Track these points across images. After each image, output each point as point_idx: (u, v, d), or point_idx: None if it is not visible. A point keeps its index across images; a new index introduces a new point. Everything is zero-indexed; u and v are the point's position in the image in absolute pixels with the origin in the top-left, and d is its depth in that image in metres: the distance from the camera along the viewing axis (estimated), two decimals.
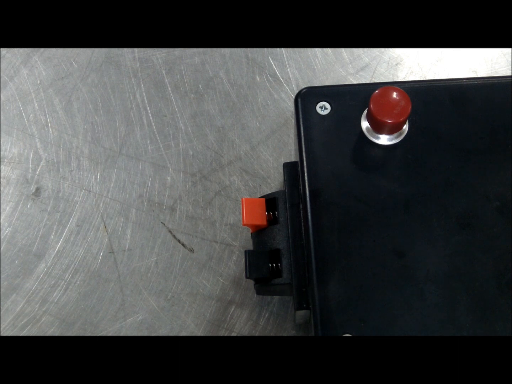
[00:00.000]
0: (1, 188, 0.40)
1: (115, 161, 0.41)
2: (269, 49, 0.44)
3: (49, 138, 0.41)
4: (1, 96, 0.43)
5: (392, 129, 0.31)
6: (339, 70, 0.43)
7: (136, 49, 0.44)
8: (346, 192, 0.31)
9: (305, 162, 0.31)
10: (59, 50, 0.44)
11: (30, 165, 0.41)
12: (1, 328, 0.36)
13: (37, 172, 0.40)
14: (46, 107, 0.42)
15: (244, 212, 0.32)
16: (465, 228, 0.30)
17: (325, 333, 0.28)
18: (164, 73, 0.43)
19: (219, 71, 0.43)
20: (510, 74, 0.42)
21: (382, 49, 0.43)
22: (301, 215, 0.31)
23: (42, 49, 0.44)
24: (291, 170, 0.33)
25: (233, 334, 0.36)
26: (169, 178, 0.40)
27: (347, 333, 0.28)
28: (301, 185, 0.31)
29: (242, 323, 0.36)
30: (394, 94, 0.30)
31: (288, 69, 0.43)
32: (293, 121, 0.35)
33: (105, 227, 0.39)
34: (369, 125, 0.32)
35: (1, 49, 0.44)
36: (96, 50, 0.44)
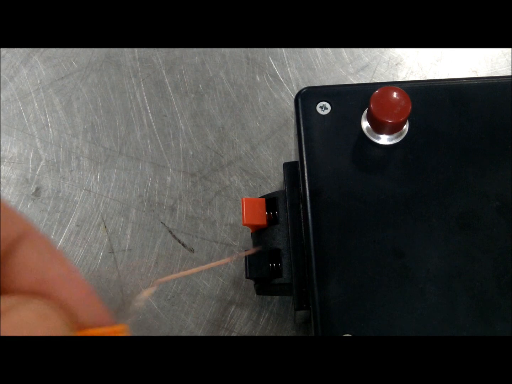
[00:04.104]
0: (1, 188, 0.40)
1: (115, 161, 0.41)
2: (269, 49, 0.44)
3: (49, 138, 0.41)
4: (1, 96, 0.43)
5: (392, 129, 0.31)
6: (339, 70, 0.43)
7: (136, 49, 0.44)
8: (346, 192, 0.31)
9: (305, 162, 0.31)
10: (59, 50, 0.44)
11: (30, 165, 0.41)
12: None
13: (37, 172, 0.40)
14: (46, 107, 0.42)
15: (244, 212, 0.32)
16: (465, 228, 0.30)
17: (325, 333, 0.28)
18: (164, 73, 0.43)
19: (219, 71, 0.43)
20: (510, 74, 0.42)
21: (382, 49, 0.43)
22: (301, 215, 0.31)
23: (42, 49, 0.44)
24: (291, 170, 0.33)
25: (233, 334, 0.36)
26: (169, 178, 0.40)
27: (347, 333, 0.28)
28: (301, 185, 0.31)
29: (242, 323, 0.36)
30: (394, 94, 0.30)
31: (288, 69, 0.43)
32: (293, 121, 0.35)
33: (105, 227, 0.39)
34: (369, 125, 0.32)
35: (1, 49, 0.44)
36: (96, 50, 0.44)
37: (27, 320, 0.17)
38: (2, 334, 0.16)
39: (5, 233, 0.19)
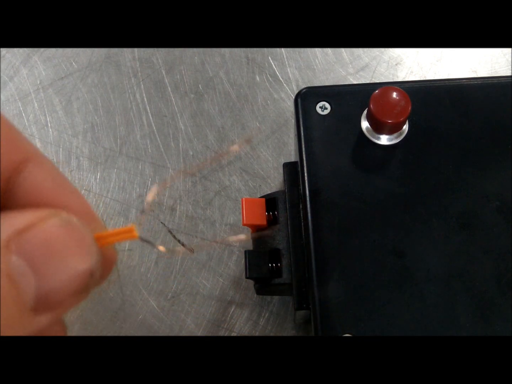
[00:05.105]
0: None
1: (115, 161, 0.41)
2: (269, 49, 0.44)
3: (49, 138, 0.41)
4: (1, 96, 0.43)
5: (392, 129, 0.31)
6: (339, 70, 0.43)
7: (136, 49, 0.44)
8: (346, 192, 0.31)
9: (305, 162, 0.31)
10: (59, 50, 0.44)
11: None
12: None
13: None
14: (46, 107, 0.42)
15: (244, 212, 0.32)
16: (465, 228, 0.30)
17: (325, 333, 0.28)
18: (164, 73, 0.43)
19: (219, 71, 0.43)
20: (510, 74, 0.42)
21: (382, 49, 0.43)
22: (301, 215, 0.31)
23: (42, 49, 0.44)
24: (291, 170, 0.33)
25: (233, 334, 0.36)
26: (169, 178, 0.40)
27: (347, 333, 0.28)
28: (301, 185, 0.31)
29: (242, 323, 0.36)
30: (394, 94, 0.30)
31: (288, 69, 0.43)
32: (293, 121, 0.35)
33: (105, 227, 0.39)
34: (369, 125, 0.32)
35: (1, 49, 0.44)
36: (96, 50, 0.44)
37: (55, 231, 0.17)
38: (31, 250, 0.16)
39: (14, 152, 0.18)
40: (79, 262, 0.17)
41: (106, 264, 0.19)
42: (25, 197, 0.18)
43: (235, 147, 0.22)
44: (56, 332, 0.19)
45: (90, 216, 0.19)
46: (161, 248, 0.21)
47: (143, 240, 0.20)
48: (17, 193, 0.18)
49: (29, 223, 0.16)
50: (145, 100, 0.42)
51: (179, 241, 0.38)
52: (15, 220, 0.16)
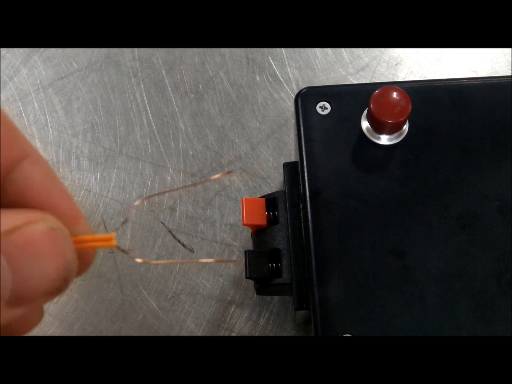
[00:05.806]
0: None
1: (115, 161, 0.41)
2: (269, 49, 0.44)
3: (49, 138, 0.41)
4: (1, 96, 0.43)
5: (392, 129, 0.31)
6: (339, 70, 0.43)
7: (136, 49, 0.44)
8: (346, 192, 0.31)
9: (305, 162, 0.31)
10: (59, 50, 0.44)
11: None
12: None
13: None
14: (46, 107, 0.42)
15: (244, 212, 0.32)
16: (465, 228, 0.30)
17: (325, 333, 0.28)
18: (164, 73, 0.43)
19: (219, 71, 0.43)
20: (510, 74, 0.42)
21: (382, 49, 0.43)
22: (301, 215, 0.31)
23: (42, 49, 0.44)
24: (291, 170, 0.33)
25: (233, 334, 0.36)
26: (169, 178, 0.40)
27: (347, 333, 0.28)
28: (301, 185, 0.31)
29: (242, 323, 0.36)
30: (394, 94, 0.30)
31: (288, 69, 0.43)
32: (293, 121, 0.35)
33: (105, 227, 0.39)
34: (369, 125, 0.32)
35: (1, 49, 0.44)
36: (96, 50, 0.44)
37: (37, 236, 0.18)
38: (13, 250, 0.17)
39: (11, 150, 0.19)
40: (54, 268, 0.18)
41: (82, 264, 0.20)
42: (17, 193, 0.19)
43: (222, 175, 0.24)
44: (31, 319, 0.20)
45: (75, 218, 0.20)
46: (139, 260, 0.22)
47: (120, 249, 0.21)
48: (11, 188, 0.19)
49: (17, 225, 0.17)
50: (145, 100, 0.42)
51: (179, 241, 0.38)
52: (6, 220, 0.17)
